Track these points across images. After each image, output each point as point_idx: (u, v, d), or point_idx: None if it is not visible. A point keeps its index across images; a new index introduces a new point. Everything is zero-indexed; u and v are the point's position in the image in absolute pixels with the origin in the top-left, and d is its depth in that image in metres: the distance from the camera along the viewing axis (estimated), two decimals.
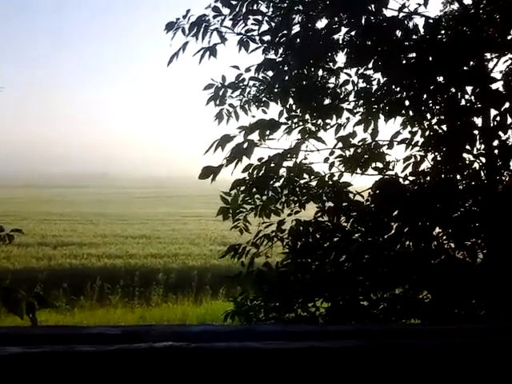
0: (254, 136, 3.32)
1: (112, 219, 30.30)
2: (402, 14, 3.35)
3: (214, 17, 3.91)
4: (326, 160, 3.96)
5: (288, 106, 4.22)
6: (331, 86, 4.05)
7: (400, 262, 3.45)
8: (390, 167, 3.82)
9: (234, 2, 3.91)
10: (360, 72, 3.75)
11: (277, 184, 4.15)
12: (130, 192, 69.93)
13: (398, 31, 3.26)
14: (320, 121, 4.08)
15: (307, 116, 4.09)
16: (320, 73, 4.04)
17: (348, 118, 3.95)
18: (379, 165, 3.79)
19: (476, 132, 3.40)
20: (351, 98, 4.00)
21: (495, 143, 3.39)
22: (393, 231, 3.49)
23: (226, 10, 3.92)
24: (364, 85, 3.89)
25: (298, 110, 4.19)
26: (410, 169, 3.87)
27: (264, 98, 4.40)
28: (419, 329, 1.10)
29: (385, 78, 3.70)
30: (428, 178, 3.72)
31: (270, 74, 4.14)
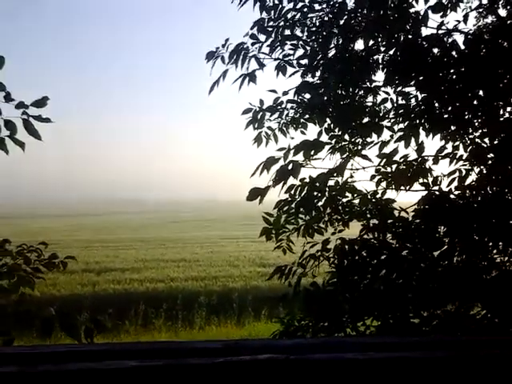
0: (298, 157, 3.38)
1: (152, 244, 30.84)
2: (440, 31, 3.39)
3: (252, 44, 4.04)
4: (373, 178, 3.97)
5: (326, 126, 4.28)
6: (369, 104, 4.10)
7: (451, 278, 3.40)
8: (437, 182, 3.80)
9: (269, 29, 4.04)
10: (398, 89, 3.78)
11: (319, 203, 4.18)
12: (166, 216, 71.02)
13: (436, 49, 3.28)
14: (359, 139, 4.13)
15: (346, 136, 4.14)
16: (357, 92, 4.10)
17: (392, 136, 3.97)
18: (425, 180, 3.78)
19: None
20: (390, 115, 4.03)
21: None
22: (445, 247, 3.46)
23: (262, 37, 4.06)
24: (403, 102, 3.92)
25: (337, 130, 4.25)
26: (455, 183, 3.84)
27: (302, 120, 4.48)
28: (491, 339, 1.12)
29: (423, 94, 3.72)
30: (474, 192, 3.68)
31: (308, 96, 4.23)
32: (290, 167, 3.35)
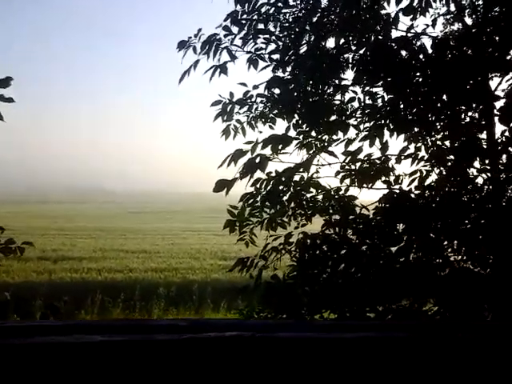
0: (266, 151, 3.43)
1: (112, 234, 30.31)
2: (410, 34, 3.50)
3: (225, 36, 4.05)
4: (337, 174, 4.06)
5: (295, 122, 4.34)
6: (337, 102, 4.17)
7: (407, 274, 3.53)
8: (399, 181, 3.92)
9: (243, 22, 4.05)
10: (366, 89, 3.87)
11: (284, 198, 4.23)
12: (128, 207, 69.94)
13: (405, 51, 3.39)
14: (326, 136, 4.20)
15: (313, 132, 4.20)
16: (326, 90, 4.17)
17: (357, 134, 4.06)
18: (387, 178, 3.89)
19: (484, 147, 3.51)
20: (357, 114, 4.12)
21: (504, 157, 3.49)
22: (403, 243, 3.58)
23: (235, 29, 4.07)
24: (370, 102, 4.02)
25: (304, 126, 4.30)
26: (415, 183, 3.97)
27: (271, 115, 4.51)
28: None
29: (390, 96, 3.83)
30: (433, 192, 3.82)
31: (278, 91, 4.26)
32: (257, 160, 3.39)
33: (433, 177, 3.94)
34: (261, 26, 4.06)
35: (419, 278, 3.53)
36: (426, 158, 3.92)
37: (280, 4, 3.75)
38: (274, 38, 4.10)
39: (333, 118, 4.18)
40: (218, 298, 15.28)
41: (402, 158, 3.97)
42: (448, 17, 4.12)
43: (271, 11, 3.84)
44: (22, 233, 27.49)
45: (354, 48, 3.71)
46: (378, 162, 3.92)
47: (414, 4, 3.66)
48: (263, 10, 3.93)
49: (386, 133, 3.92)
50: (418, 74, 3.56)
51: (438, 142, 3.84)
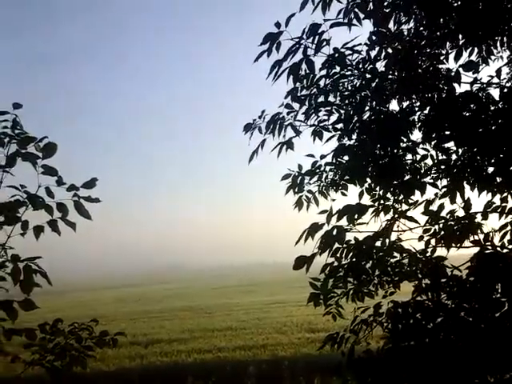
0: (342, 221, 3.36)
1: (197, 312, 30.58)
2: (475, 86, 3.40)
3: (288, 113, 4.16)
4: (421, 238, 3.87)
5: (367, 186, 4.26)
6: (409, 162, 4.06)
7: None
8: (489, 238, 3.65)
9: (303, 97, 4.15)
10: (438, 146, 3.75)
11: (367, 265, 4.07)
12: (208, 283, 70.80)
13: (473, 105, 3.28)
14: (402, 198, 4.06)
15: (389, 195, 4.08)
16: (396, 151, 4.08)
17: (436, 194, 3.89)
18: (476, 237, 3.64)
19: None
20: (432, 171, 3.97)
21: None
22: (506, 307, 3.26)
23: (296, 105, 4.18)
24: (443, 157, 3.87)
25: (378, 189, 4.20)
26: (507, 237, 3.68)
27: (342, 182, 4.48)
28: None
29: (464, 148, 3.67)
30: None
31: (346, 158, 4.25)
32: (334, 233, 3.32)
33: None
34: (321, 98, 4.14)
35: None
36: None
37: (337, 76, 3.81)
38: (335, 108, 4.15)
39: (407, 177, 4.06)
40: (310, 375, 14.61)
41: (488, 212, 3.72)
42: None
43: (329, 82, 3.90)
44: (112, 319, 28.59)
45: (417, 108, 3.65)
46: (462, 220, 3.69)
47: (473, 57, 3.60)
48: (321, 83, 4.01)
49: (467, 187, 3.73)
50: (491, 122, 3.40)
51: None
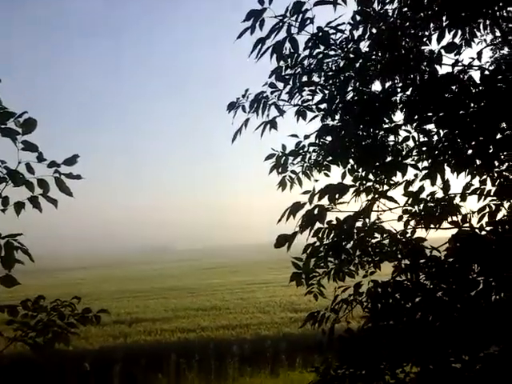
0: (323, 201, 3.37)
1: (181, 292, 30.75)
2: (456, 68, 3.41)
3: (272, 92, 4.13)
4: (400, 218, 3.91)
5: (350, 167, 4.27)
6: (391, 143, 4.08)
7: (492, 318, 3.25)
8: (467, 220, 3.71)
9: (287, 77, 4.12)
10: (420, 128, 3.76)
11: (348, 246, 4.11)
12: (193, 264, 71.09)
13: (454, 86, 3.29)
14: (384, 179, 4.09)
15: (371, 176, 4.11)
16: (378, 132, 4.10)
17: (416, 175, 3.92)
18: (454, 218, 3.69)
19: None
20: (413, 153, 4.00)
21: None
22: (481, 286, 3.33)
23: (280, 85, 4.14)
24: (425, 139, 3.90)
25: (360, 170, 4.23)
26: (485, 219, 3.74)
27: (325, 162, 4.49)
28: None
29: (445, 131, 3.69)
30: (507, 227, 3.57)
31: (329, 139, 4.25)
32: (315, 212, 3.33)
33: (504, 211, 3.69)
34: (305, 78, 4.11)
35: (505, 321, 3.25)
36: (493, 192, 3.70)
37: (321, 56, 3.79)
38: (319, 88, 4.13)
39: (389, 159, 4.08)
40: (292, 354, 14.86)
41: (467, 194, 3.77)
42: (495, 42, 4.01)
43: (313, 63, 3.88)
44: (96, 298, 28.59)
45: (399, 89, 3.66)
46: (442, 202, 3.74)
47: (457, 40, 3.61)
48: (306, 62, 3.98)
49: (448, 169, 3.76)
50: (471, 105, 3.42)
51: (505, 173, 3.62)
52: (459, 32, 3.84)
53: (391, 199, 3.75)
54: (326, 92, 4.04)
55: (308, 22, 3.40)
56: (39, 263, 3.56)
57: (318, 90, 4.04)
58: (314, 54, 3.77)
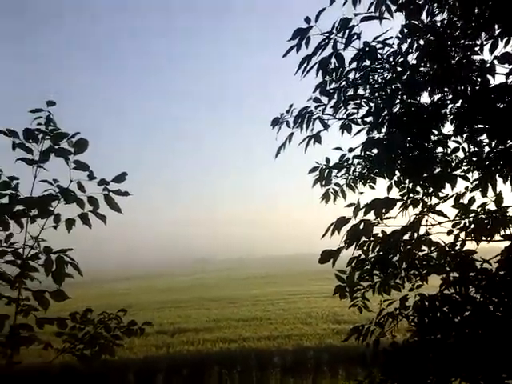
0: (369, 215, 3.34)
1: (222, 303, 30.89)
2: (511, 79, 3.31)
3: (316, 107, 4.15)
4: (450, 232, 3.82)
5: (396, 179, 4.22)
6: (440, 154, 4.00)
7: None
8: None
9: (331, 91, 4.13)
10: (470, 138, 3.68)
11: (394, 258, 4.05)
12: (233, 275, 71.34)
13: (507, 97, 3.20)
14: (433, 190, 4.01)
15: (418, 188, 4.04)
16: (427, 145, 4.02)
17: (467, 187, 3.83)
18: (508, 231, 3.57)
19: None
20: (463, 164, 3.91)
21: None
22: None
23: (325, 99, 4.15)
24: (475, 149, 3.80)
25: (407, 182, 4.16)
26: None
27: (370, 175, 4.45)
28: None
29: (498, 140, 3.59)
30: None
31: (375, 151, 4.21)
32: (361, 227, 3.31)
33: None
34: (350, 92, 4.10)
35: None
36: None
37: (368, 69, 3.77)
38: (364, 101, 4.11)
39: (437, 170, 4.00)
40: (334, 365, 14.65)
41: None
42: None
43: (359, 76, 3.86)
44: (140, 308, 29.12)
45: (449, 101, 3.59)
46: (494, 214, 3.62)
47: (508, 48, 3.50)
48: (351, 76, 3.97)
49: (499, 181, 3.65)
50: None
51: None
52: None
53: (441, 213, 3.67)
54: (372, 105, 4.02)
55: (355, 37, 3.41)
56: (86, 275, 3.69)
57: (363, 103, 4.02)
58: (360, 67, 3.76)
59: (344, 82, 4.05)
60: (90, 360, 4.00)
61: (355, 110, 4.17)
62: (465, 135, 3.67)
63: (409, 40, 3.75)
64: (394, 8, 3.73)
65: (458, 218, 3.81)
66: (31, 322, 3.67)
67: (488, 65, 3.38)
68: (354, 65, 3.86)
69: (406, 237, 3.89)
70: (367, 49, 3.58)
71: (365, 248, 3.94)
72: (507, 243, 3.67)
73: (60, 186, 3.44)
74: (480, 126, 3.34)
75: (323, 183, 4.64)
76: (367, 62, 3.74)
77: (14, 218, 3.29)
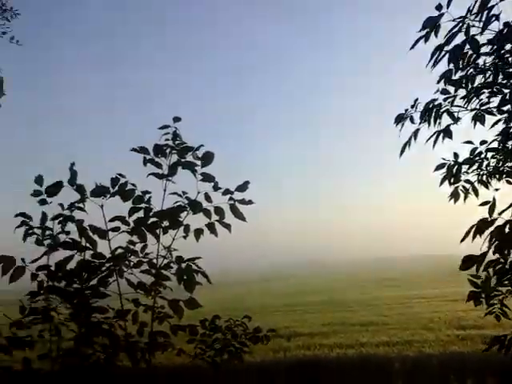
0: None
1: (337, 306, 30.45)
2: None
3: (445, 99, 3.88)
4: None
5: None
6: None
7: None
8: None
9: (457, 80, 3.82)
10: None
11: None
12: (349, 278, 70.14)
13: None
14: None
15: None
16: None
17: None
18: None
19: None
20: None
21: None
22: None
23: (452, 89, 3.85)
24: None
25: None
26: None
27: (507, 169, 4.06)
28: None
29: None
30: None
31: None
32: (506, 229, 2.98)
33: None
34: (478, 79, 3.77)
35: None
36: None
37: (501, 52, 3.41)
38: (497, 88, 3.74)
39: None
40: (461, 375, 13.63)
41: None
42: None
43: (492, 61, 3.51)
44: (257, 312, 29.71)
45: None
46: None
47: None
48: (480, 61, 3.63)
49: None
50: None
51: None
52: None
53: None
54: (507, 91, 3.63)
55: (493, 19, 3.09)
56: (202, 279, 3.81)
57: (497, 91, 3.65)
58: (497, 51, 3.42)
59: (471, 70, 3.72)
60: (220, 366, 4.12)
61: (487, 100, 3.81)
62: None
63: None
64: None
65: None
66: (165, 328, 3.85)
67: None
68: (484, 49, 3.51)
69: None
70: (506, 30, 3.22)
71: (505, 252, 3.57)
72: None
73: (188, 198, 3.60)
74: None
75: (452, 180, 4.34)
76: (508, 46, 3.37)
77: (150, 229, 3.49)
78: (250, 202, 3.53)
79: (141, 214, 3.52)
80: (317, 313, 27.95)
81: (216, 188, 3.54)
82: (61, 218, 3.55)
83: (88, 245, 3.57)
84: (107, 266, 3.49)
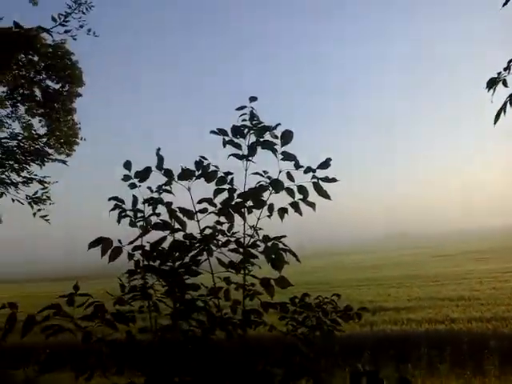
0: None
1: (423, 281, 29.54)
2: None
3: None
4: None
5: None
6: None
7: None
8: None
9: None
10: None
11: None
12: (432, 251, 67.55)
13: None
14: None
15: None
16: None
17: None
18: None
19: None
20: None
21: None
22: None
23: None
24: None
25: None
26: None
27: None
28: None
29: None
30: None
31: None
32: None
33: None
34: None
35: None
36: None
37: None
38: None
39: None
40: None
41: None
42: None
43: None
44: (337, 285, 29.58)
45: None
46: None
47: None
48: None
49: None
50: None
51: None
52: None
53: None
54: None
55: None
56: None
57: None
58: None
59: None
60: (313, 344, 4.14)
61: None
62: None
63: None
64: None
65: None
66: (255, 305, 3.94)
67: None
68: None
69: None
70: None
71: None
72: None
73: (270, 177, 3.60)
74: None
75: None
76: None
77: (236, 210, 3.56)
78: (333, 180, 3.46)
79: (225, 194, 3.58)
80: (402, 287, 27.32)
81: (297, 166, 3.47)
82: (151, 201, 3.71)
83: (178, 226, 3.70)
84: (197, 245, 3.61)
